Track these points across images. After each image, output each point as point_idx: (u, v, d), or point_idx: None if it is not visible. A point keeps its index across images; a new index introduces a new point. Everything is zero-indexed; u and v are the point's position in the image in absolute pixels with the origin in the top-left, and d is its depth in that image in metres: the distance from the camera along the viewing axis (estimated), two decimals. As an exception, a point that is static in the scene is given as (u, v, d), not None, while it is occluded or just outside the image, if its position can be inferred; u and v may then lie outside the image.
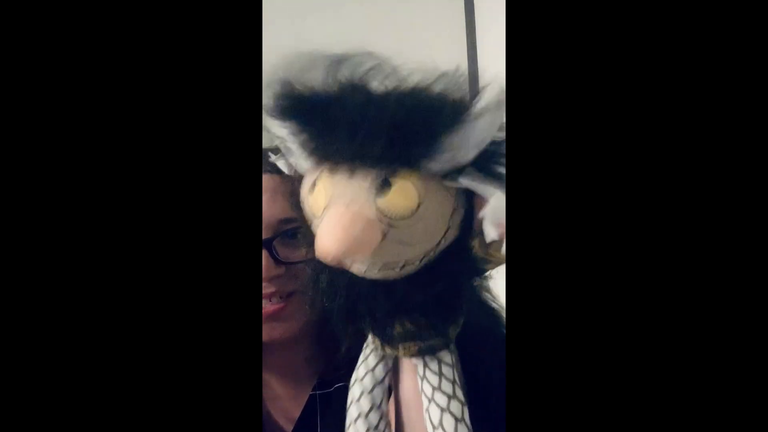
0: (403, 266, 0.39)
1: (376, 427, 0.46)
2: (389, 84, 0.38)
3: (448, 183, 0.38)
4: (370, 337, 0.47)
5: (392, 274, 0.39)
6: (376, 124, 0.36)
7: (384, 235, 0.36)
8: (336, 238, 0.36)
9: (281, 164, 0.45)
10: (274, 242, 0.60)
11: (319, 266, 0.43)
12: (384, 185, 0.36)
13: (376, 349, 0.47)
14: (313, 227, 0.40)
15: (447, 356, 0.44)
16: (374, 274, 0.39)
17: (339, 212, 0.36)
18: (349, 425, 0.46)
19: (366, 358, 0.47)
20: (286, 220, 0.61)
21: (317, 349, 0.67)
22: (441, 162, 0.37)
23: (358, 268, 0.39)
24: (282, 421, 0.68)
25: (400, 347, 0.44)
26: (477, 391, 0.47)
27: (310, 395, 0.67)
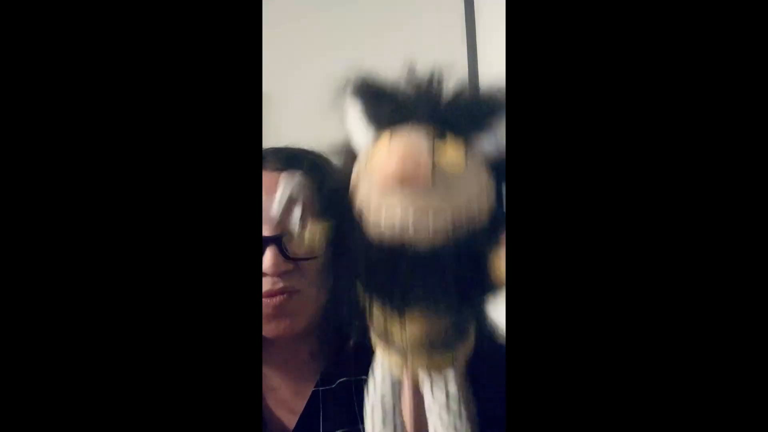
0: (435, 231, 0.40)
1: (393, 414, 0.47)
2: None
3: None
4: (377, 355, 0.48)
5: (424, 237, 0.41)
6: (433, 105, 0.42)
7: (432, 180, 0.39)
8: (400, 157, 0.39)
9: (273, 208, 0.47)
10: (283, 239, 0.61)
11: (343, 233, 0.44)
12: (440, 136, 0.40)
13: (383, 363, 0.48)
14: (365, 182, 0.43)
15: (452, 375, 0.46)
16: (408, 232, 0.41)
17: (401, 142, 0.40)
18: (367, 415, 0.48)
19: (374, 374, 0.48)
20: None
21: (322, 344, 0.67)
22: (486, 141, 0.42)
23: (401, 211, 0.41)
24: (284, 417, 0.69)
25: (409, 356, 0.45)
26: (481, 416, 0.48)
27: (313, 391, 0.68)
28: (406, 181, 0.39)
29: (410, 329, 0.45)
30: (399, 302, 0.43)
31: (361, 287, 0.45)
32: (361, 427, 0.62)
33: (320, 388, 0.68)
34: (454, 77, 0.44)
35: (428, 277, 0.42)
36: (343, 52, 1.25)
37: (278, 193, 0.46)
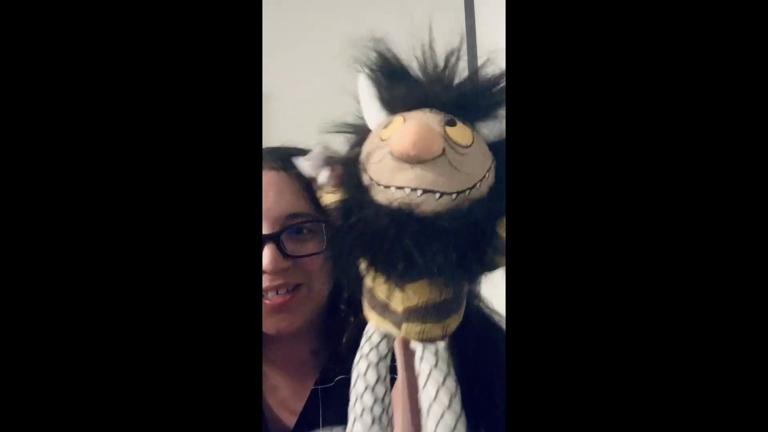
0: (441, 196, 0.43)
1: (382, 399, 0.48)
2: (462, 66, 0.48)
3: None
4: (371, 324, 0.49)
5: (430, 202, 0.44)
6: (446, 90, 0.46)
7: (443, 152, 0.43)
8: (415, 133, 0.43)
9: (305, 165, 0.50)
10: (282, 236, 0.62)
11: (352, 200, 0.46)
12: (451, 122, 0.44)
13: (378, 330, 0.49)
14: (379, 151, 0.46)
15: (443, 346, 0.47)
16: (417, 195, 0.43)
17: (416, 121, 0.44)
18: (356, 399, 0.48)
19: (369, 337, 0.50)
20: (293, 215, 0.63)
21: (322, 340, 0.68)
22: (489, 128, 0.46)
23: (412, 178, 0.43)
24: (284, 416, 0.69)
25: (404, 326, 0.47)
26: (475, 392, 0.49)
27: (312, 389, 0.68)
28: (420, 154, 0.42)
29: (409, 296, 0.47)
30: (402, 268, 0.45)
31: (364, 256, 0.46)
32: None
33: (319, 387, 0.68)
34: (462, 59, 0.47)
35: (432, 243, 0.44)
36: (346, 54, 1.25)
37: (312, 153, 0.49)
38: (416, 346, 0.48)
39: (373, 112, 0.48)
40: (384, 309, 0.48)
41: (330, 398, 0.67)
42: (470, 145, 0.44)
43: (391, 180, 0.43)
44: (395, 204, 0.43)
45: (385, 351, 0.49)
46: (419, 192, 0.43)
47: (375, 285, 0.48)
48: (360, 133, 0.49)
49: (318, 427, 0.66)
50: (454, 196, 0.43)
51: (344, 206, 0.47)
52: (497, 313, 0.62)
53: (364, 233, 0.45)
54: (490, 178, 0.45)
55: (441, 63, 0.47)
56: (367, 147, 0.46)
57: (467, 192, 0.44)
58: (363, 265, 0.47)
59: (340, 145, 0.50)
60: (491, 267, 0.46)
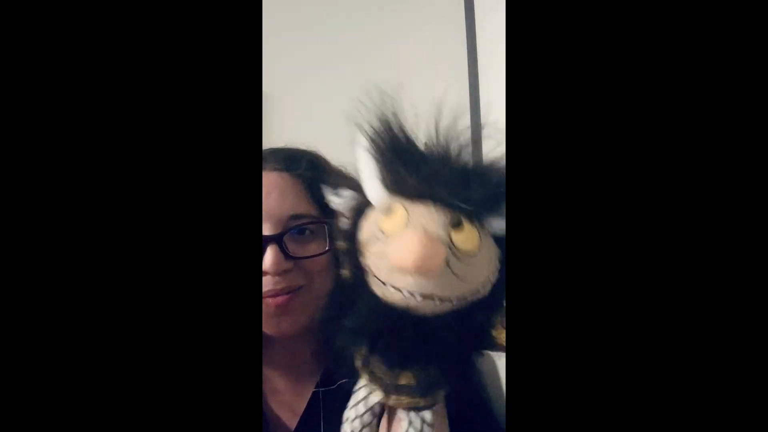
0: (441, 301, 0.42)
1: None
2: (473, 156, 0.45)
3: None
4: (362, 381, 0.50)
5: (429, 306, 0.42)
6: (455, 183, 0.43)
7: (447, 263, 0.41)
8: (416, 251, 0.40)
9: (336, 201, 0.49)
10: (284, 238, 0.61)
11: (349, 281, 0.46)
12: (456, 224, 0.42)
13: (367, 391, 0.50)
14: (379, 244, 0.43)
15: (429, 416, 0.48)
16: (416, 300, 0.42)
17: (420, 231, 0.41)
18: None
19: (357, 403, 0.50)
20: (296, 216, 0.63)
21: (323, 342, 0.68)
22: (499, 222, 0.43)
23: (411, 284, 0.41)
24: (285, 418, 0.69)
25: (393, 398, 0.48)
26: None
27: (314, 392, 0.68)
28: (421, 269, 0.40)
29: (400, 380, 0.47)
30: (398, 362, 0.45)
31: (362, 347, 0.47)
32: None
33: (320, 389, 0.68)
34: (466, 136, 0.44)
35: (430, 342, 0.43)
36: (345, 56, 1.25)
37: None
38: (403, 415, 0.48)
39: (372, 188, 0.46)
40: (377, 378, 0.48)
41: (331, 400, 0.67)
42: (477, 251, 0.42)
43: (389, 279, 0.42)
44: (390, 301, 0.42)
45: (370, 420, 0.50)
46: (418, 297, 0.41)
47: (369, 366, 0.48)
48: (359, 198, 0.47)
49: (319, 429, 0.66)
50: (453, 301, 0.42)
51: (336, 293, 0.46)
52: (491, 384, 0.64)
53: (361, 330, 0.45)
54: (493, 278, 0.44)
55: (451, 149, 0.43)
56: (365, 229, 0.45)
57: (468, 297, 0.42)
58: (360, 352, 0.47)
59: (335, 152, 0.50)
60: (486, 352, 0.47)
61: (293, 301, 0.63)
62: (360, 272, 0.44)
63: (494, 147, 0.43)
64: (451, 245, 0.41)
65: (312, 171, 0.65)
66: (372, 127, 0.45)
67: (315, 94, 1.20)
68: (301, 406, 0.68)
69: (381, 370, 0.47)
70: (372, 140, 0.45)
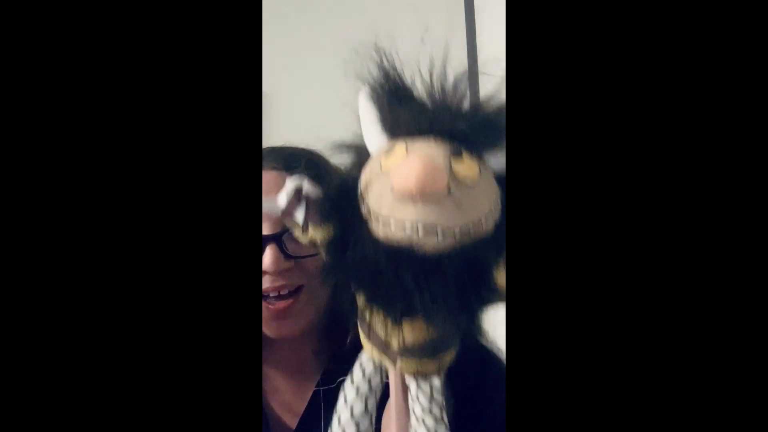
0: (444, 235, 0.41)
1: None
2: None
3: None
4: (366, 353, 0.49)
5: (431, 242, 0.42)
6: (453, 118, 0.43)
7: (448, 190, 0.41)
8: (418, 171, 0.40)
9: (277, 202, 0.48)
10: (284, 237, 0.61)
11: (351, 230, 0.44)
12: (457, 153, 0.42)
13: (373, 359, 0.49)
14: (381, 180, 0.43)
15: (438, 382, 0.47)
16: (419, 235, 0.41)
17: (420, 155, 0.41)
18: (337, 424, 0.49)
19: (363, 366, 0.49)
20: None
21: (324, 341, 0.68)
22: (498, 159, 0.43)
23: (413, 214, 0.41)
24: (286, 417, 0.69)
25: (399, 361, 0.46)
26: (473, 426, 0.50)
27: (314, 391, 0.68)
28: (423, 194, 0.40)
29: (406, 334, 0.46)
30: (402, 307, 0.44)
31: (363, 291, 0.45)
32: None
33: (321, 388, 0.68)
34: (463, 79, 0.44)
35: (432, 282, 0.42)
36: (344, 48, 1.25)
37: (285, 188, 0.47)
38: (411, 382, 0.47)
39: (373, 134, 0.45)
40: (380, 343, 0.47)
41: (332, 399, 0.67)
42: (477, 180, 0.42)
43: (391, 214, 0.41)
44: (394, 242, 0.42)
45: (378, 383, 0.49)
46: (420, 230, 0.41)
47: (373, 319, 0.47)
48: (359, 154, 0.47)
49: (320, 428, 0.66)
50: (457, 233, 0.42)
51: (338, 241, 0.45)
52: (497, 346, 0.62)
53: (363, 270, 0.44)
54: (496, 213, 0.43)
55: (449, 88, 0.44)
56: (366, 175, 0.44)
57: (471, 229, 0.42)
58: (361, 300, 0.46)
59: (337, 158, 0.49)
60: (490, 303, 0.46)
61: (294, 306, 0.63)
62: (359, 223, 0.43)
63: (493, 85, 0.44)
64: (452, 173, 0.41)
65: (311, 170, 0.65)
66: (371, 74, 0.45)
67: (315, 95, 1.19)
68: (302, 405, 0.68)
69: (381, 323, 0.46)
70: (371, 87, 0.45)
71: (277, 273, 0.61)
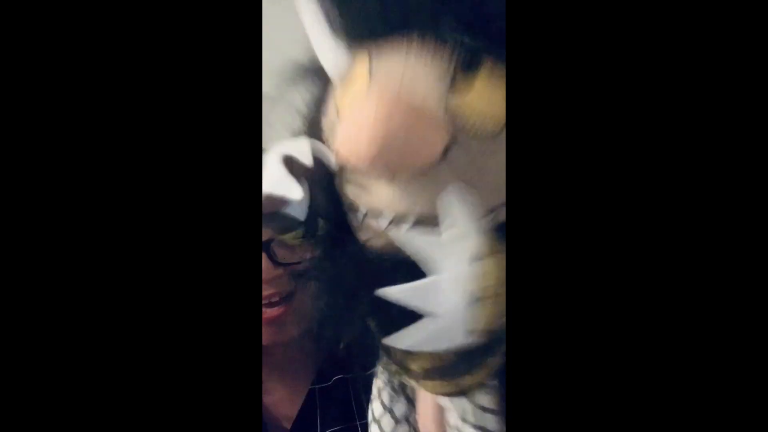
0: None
1: None
2: None
3: None
4: (380, 366, 0.39)
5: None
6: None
7: (445, 151, 0.24)
8: (373, 129, 0.22)
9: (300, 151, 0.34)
10: (272, 244, 0.61)
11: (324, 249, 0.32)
12: (468, 66, 0.23)
13: (390, 381, 0.37)
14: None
15: (486, 399, 0.34)
16: (404, 230, 0.25)
17: (384, 97, 0.23)
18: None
19: (380, 395, 0.38)
20: None
21: (318, 344, 0.68)
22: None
23: (392, 198, 0.24)
24: (281, 416, 0.69)
25: (421, 383, 0.34)
26: None
27: (310, 389, 0.68)
28: (386, 168, 0.23)
29: (418, 363, 0.35)
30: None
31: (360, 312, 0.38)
32: (358, 423, 0.62)
33: (316, 386, 0.68)
34: None
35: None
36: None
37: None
38: (447, 404, 0.36)
39: (324, 44, 0.29)
40: (400, 367, 0.38)
41: (328, 398, 0.67)
42: (500, 124, 0.23)
43: (356, 199, 0.26)
44: (379, 248, 0.27)
45: (402, 413, 0.39)
46: (406, 224, 0.25)
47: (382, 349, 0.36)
48: (321, 82, 0.31)
49: (316, 427, 0.66)
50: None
51: (324, 251, 0.32)
52: None
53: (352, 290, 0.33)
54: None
55: None
56: (327, 120, 0.28)
57: (494, 213, 0.26)
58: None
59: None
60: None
61: (286, 313, 0.63)
62: (345, 227, 0.29)
63: None
64: (450, 118, 0.23)
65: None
66: None
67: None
68: (297, 403, 0.68)
69: (391, 355, 0.35)
70: None
71: (267, 281, 0.61)
